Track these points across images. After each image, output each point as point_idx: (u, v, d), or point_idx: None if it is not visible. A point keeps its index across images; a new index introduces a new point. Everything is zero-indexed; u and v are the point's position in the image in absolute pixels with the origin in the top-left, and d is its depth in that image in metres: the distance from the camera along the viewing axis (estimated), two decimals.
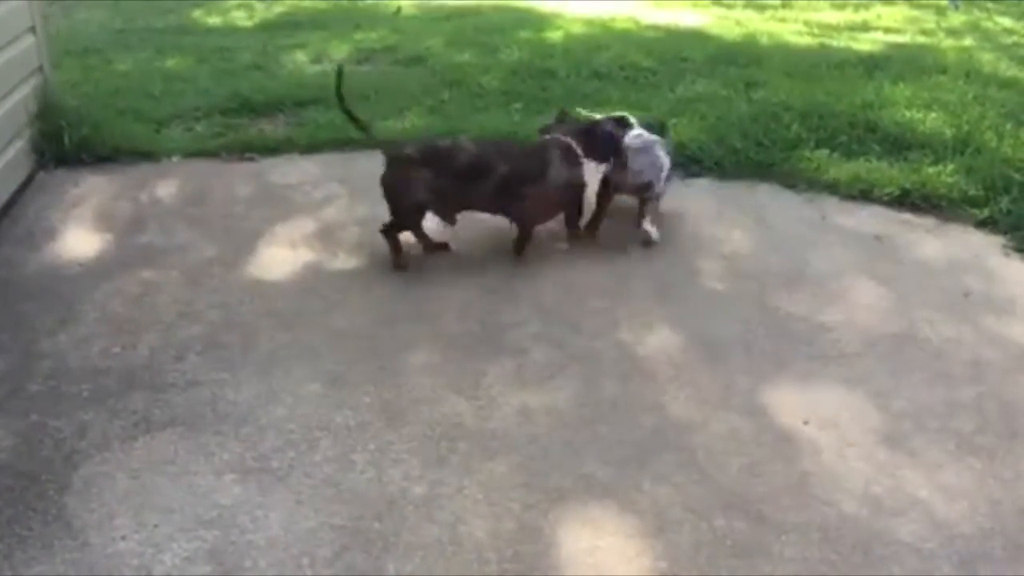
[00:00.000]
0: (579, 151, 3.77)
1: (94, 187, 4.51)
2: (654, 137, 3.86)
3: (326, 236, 4.02)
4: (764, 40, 7.11)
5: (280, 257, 3.86)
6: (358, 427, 2.89)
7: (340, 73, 3.86)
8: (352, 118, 3.84)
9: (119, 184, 4.55)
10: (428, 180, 3.63)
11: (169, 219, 4.19)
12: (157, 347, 3.28)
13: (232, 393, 3.04)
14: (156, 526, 2.50)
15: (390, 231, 3.78)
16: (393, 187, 3.70)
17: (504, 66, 6.27)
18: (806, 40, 7.21)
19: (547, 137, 3.84)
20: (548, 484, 2.67)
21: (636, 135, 3.82)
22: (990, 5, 9.26)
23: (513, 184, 3.65)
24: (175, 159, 4.82)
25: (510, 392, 3.05)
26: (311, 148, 4.91)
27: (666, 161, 3.86)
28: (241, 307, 3.51)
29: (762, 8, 8.90)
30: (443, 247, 3.89)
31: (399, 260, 3.78)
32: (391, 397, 3.02)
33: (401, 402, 3.00)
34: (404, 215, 3.75)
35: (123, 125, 5.14)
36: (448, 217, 3.80)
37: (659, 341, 3.31)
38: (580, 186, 3.80)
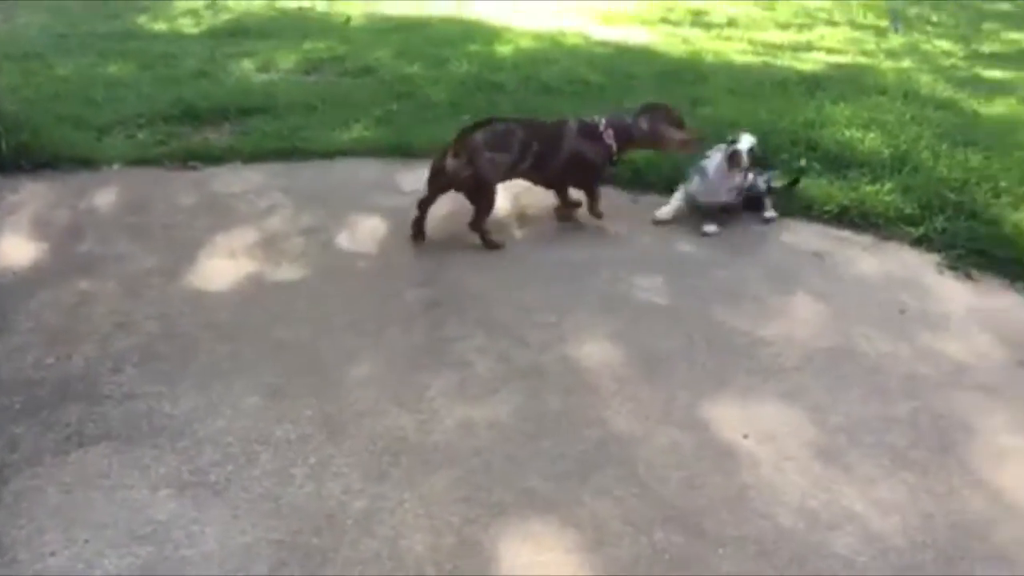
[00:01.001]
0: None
1: (32, 194, 4.42)
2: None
3: (269, 246, 3.98)
4: (710, 58, 7.21)
5: (221, 267, 3.81)
6: (298, 440, 2.86)
7: None
8: None
9: (58, 192, 4.46)
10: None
11: (108, 228, 4.12)
12: (93, 358, 3.22)
13: (169, 406, 2.99)
14: (87, 541, 2.44)
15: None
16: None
17: (453, 78, 6.28)
18: (750, 59, 7.33)
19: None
20: (489, 498, 2.66)
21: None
22: (929, 28, 9.50)
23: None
24: (116, 167, 4.75)
25: (453, 406, 3.04)
26: (255, 157, 4.87)
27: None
28: (180, 318, 3.45)
29: (708, 27, 9.03)
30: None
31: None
32: (332, 410, 3.00)
33: (342, 415, 2.97)
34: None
35: (63, 131, 5.05)
36: None
37: (603, 355, 3.32)
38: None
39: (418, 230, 4.05)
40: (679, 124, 4.20)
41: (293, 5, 9.76)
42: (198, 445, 2.83)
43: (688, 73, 6.51)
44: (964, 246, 3.99)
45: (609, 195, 4.39)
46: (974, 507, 2.68)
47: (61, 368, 3.17)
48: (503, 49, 7.33)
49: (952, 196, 4.32)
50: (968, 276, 3.84)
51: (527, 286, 3.73)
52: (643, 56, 7.13)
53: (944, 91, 6.22)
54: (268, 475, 2.72)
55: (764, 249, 4.06)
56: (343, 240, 4.08)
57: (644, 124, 4.16)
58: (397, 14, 9.14)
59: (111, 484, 2.66)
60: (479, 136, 3.89)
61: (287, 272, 3.80)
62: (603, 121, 4.15)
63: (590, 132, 4.12)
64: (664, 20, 9.27)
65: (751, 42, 8.29)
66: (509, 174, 4.04)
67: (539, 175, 4.15)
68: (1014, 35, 9.18)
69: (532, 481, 2.73)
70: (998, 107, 5.83)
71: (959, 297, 3.72)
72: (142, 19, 8.99)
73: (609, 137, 4.11)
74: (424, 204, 4.03)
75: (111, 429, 2.88)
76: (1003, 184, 4.40)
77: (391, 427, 2.93)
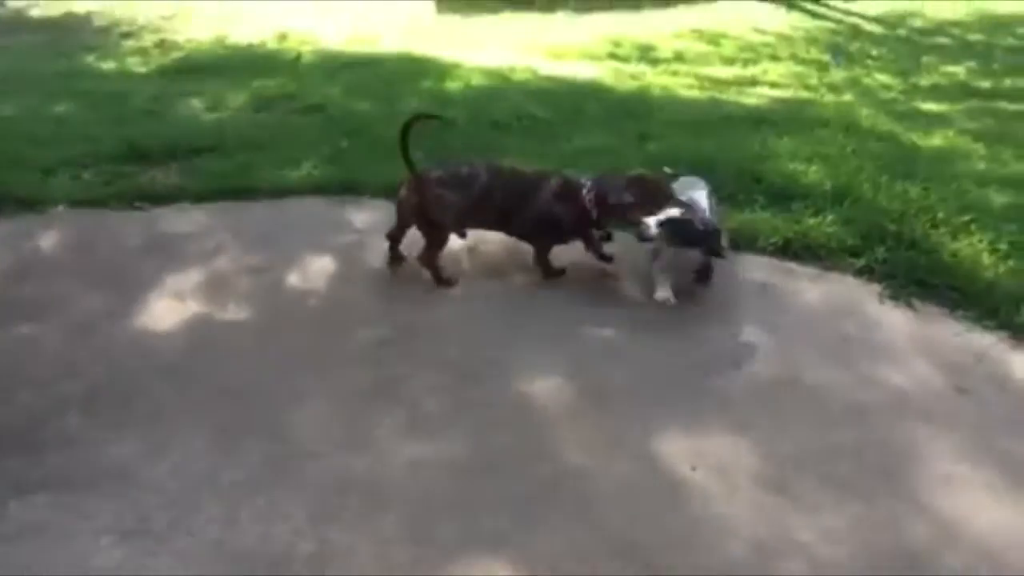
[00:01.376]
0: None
1: None
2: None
3: (217, 287, 3.95)
4: (657, 93, 7.33)
5: (168, 309, 3.77)
6: (245, 483, 2.83)
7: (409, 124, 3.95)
8: (408, 162, 3.89)
9: (0, 234, 4.38)
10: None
11: (52, 270, 4.07)
12: (34, 405, 3.17)
13: (113, 452, 2.95)
14: None
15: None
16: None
17: (403, 116, 6.25)
18: (697, 94, 7.45)
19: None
20: (439, 537, 2.65)
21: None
22: (869, 62, 9.72)
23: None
24: (61, 208, 4.70)
25: (403, 444, 3.03)
26: (203, 197, 4.83)
27: None
28: (125, 361, 3.41)
29: (655, 62, 9.17)
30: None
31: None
32: (280, 451, 2.97)
33: (290, 457, 2.95)
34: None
35: (7, 172, 5.00)
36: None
37: (553, 389, 3.33)
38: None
39: (393, 256, 4.10)
40: (667, 198, 3.91)
41: (244, 42, 9.76)
42: (142, 491, 2.79)
43: (635, 108, 6.59)
44: (904, 276, 4.07)
45: None
46: (918, 534, 2.72)
47: (1, 414, 3.10)
48: (453, 85, 7.38)
49: (892, 227, 4.41)
50: (909, 305, 3.91)
51: (478, 321, 3.74)
52: (591, 91, 7.22)
53: (884, 124, 6.36)
54: (214, 520, 2.69)
55: (711, 281, 4.10)
56: (292, 279, 4.06)
57: (630, 197, 3.89)
58: (348, 51, 9.17)
59: (53, 534, 2.62)
60: (433, 171, 3.91)
61: (235, 313, 3.77)
62: (588, 183, 3.96)
63: (569, 193, 3.95)
64: (612, 55, 9.39)
65: (697, 77, 8.43)
66: (466, 219, 3.97)
67: (506, 228, 4.08)
68: (952, 68, 9.42)
69: (483, 519, 2.72)
70: (936, 139, 5.98)
71: (900, 326, 3.79)
72: (90, 58, 8.94)
73: (590, 202, 3.91)
74: (391, 235, 4.08)
75: (52, 477, 2.84)
76: (941, 215, 4.49)
77: (340, 467, 2.91)
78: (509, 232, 4.10)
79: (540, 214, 3.96)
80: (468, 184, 3.91)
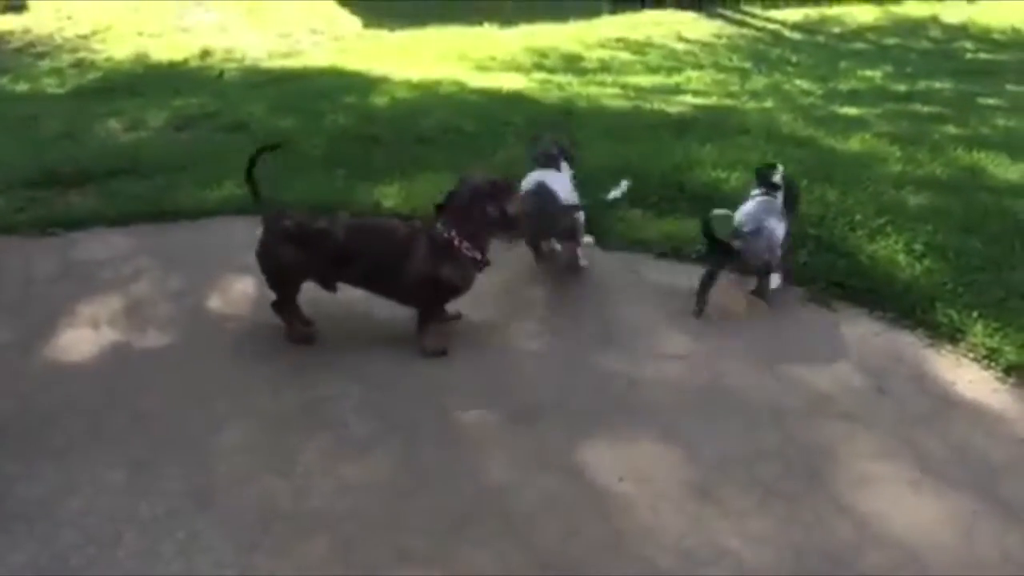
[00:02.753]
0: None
1: None
2: None
3: (134, 313, 3.85)
4: (582, 103, 7.37)
5: (82, 338, 3.66)
6: (165, 515, 2.76)
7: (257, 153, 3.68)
8: (255, 193, 3.62)
9: None
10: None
11: None
12: None
13: (25, 488, 2.85)
14: None
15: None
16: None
17: (328, 132, 6.23)
18: (622, 103, 7.51)
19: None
20: (366, 559, 2.63)
21: None
22: (790, 69, 9.94)
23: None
24: None
25: (328, 467, 2.99)
26: (121, 220, 4.71)
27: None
28: (37, 395, 3.31)
29: (582, 72, 9.25)
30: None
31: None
32: (201, 481, 2.91)
33: (212, 486, 2.89)
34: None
35: None
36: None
37: (478, 405, 3.31)
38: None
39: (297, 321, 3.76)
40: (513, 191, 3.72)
41: (165, 60, 9.60)
42: (57, 528, 2.70)
43: (561, 119, 6.62)
44: (824, 278, 4.13)
45: None
46: (841, 535, 2.76)
47: None
48: (379, 100, 7.34)
49: (812, 231, 4.49)
50: (829, 307, 3.98)
51: (402, 340, 3.69)
52: (517, 103, 7.23)
53: (804, 129, 6.49)
54: (133, 555, 2.62)
55: (634, 290, 4.13)
56: (213, 303, 3.98)
57: (494, 210, 3.57)
58: (273, 66, 9.08)
59: None
60: (286, 219, 3.55)
61: (153, 339, 3.68)
62: (452, 232, 3.52)
63: (444, 248, 3.53)
64: (538, 67, 9.46)
65: (623, 87, 8.52)
66: (323, 277, 3.64)
67: (382, 293, 3.70)
68: (869, 72, 9.67)
69: (409, 538, 2.70)
70: (853, 143, 6.10)
71: (821, 328, 3.85)
72: (3, 80, 8.71)
73: (468, 250, 3.55)
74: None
75: None
76: (859, 218, 4.59)
77: (263, 494, 2.86)
78: (393, 298, 3.69)
79: (422, 277, 3.54)
80: (318, 241, 3.52)
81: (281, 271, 3.58)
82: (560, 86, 8.33)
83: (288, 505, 2.82)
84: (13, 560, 2.59)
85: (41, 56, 10.21)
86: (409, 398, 3.34)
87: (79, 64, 9.55)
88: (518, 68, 9.36)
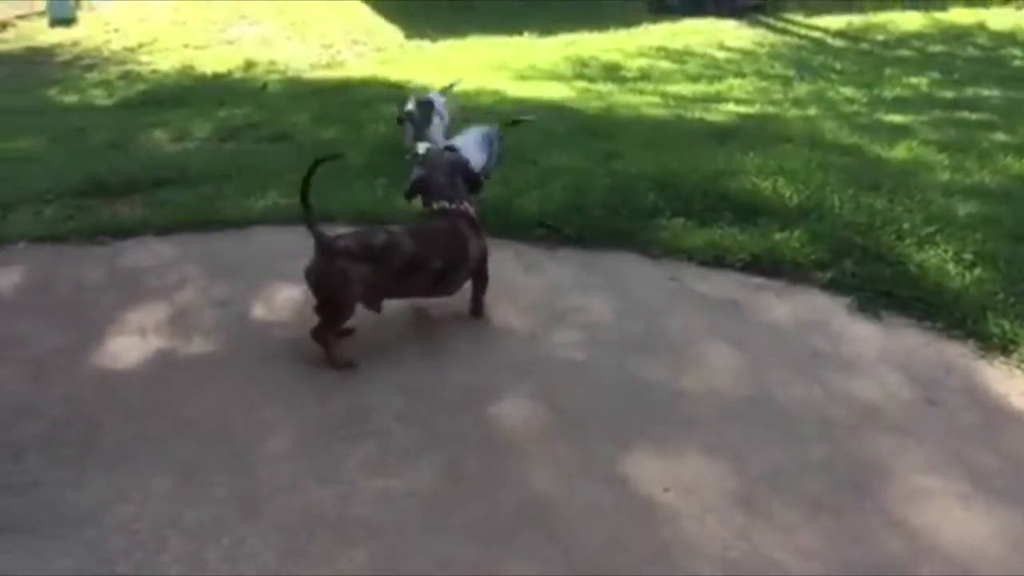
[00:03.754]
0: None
1: None
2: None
3: (180, 321, 3.89)
4: (623, 112, 7.35)
5: (130, 345, 3.70)
6: (211, 522, 2.78)
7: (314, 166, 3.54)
8: (306, 204, 3.47)
9: None
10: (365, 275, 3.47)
11: (11, 308, 4.00)
12: None
13: (74, 494, 2.88)
14: None
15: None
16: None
17: (370, 142, 6.27)
18: (663, 112, 7.48)
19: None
20: (409, 569, 2.62)
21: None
22: (833, 76, 9.83)
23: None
24: (21, 245, 4.62)
25: (371, 476, 2.99)
26: (167, 229, 4.76)
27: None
28: (86, 401, 3.35)
29: (622, 81, 9.23)
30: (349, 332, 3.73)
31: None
32: (247, 488, 2.92)
33: (257, 493, 2.90)
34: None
35: None
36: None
37: (521, 415, 3.30)
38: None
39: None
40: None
41: (209, 72, 9.74)
42: (105, 533, 2.73)
43: (602, 127, 6.61)
44: (872, 288, 4.08)
45: (522, 250, 4.43)
46: (892, 549, 2.71)
47: None
48: None
49: (859, 240, 4.43)
50: (877, 317, 3.92)
51: (445, 349, 3.69)
52: (558, 112, 7.23)
53: (848, 137, 6.42)
54: (179, 561, 2.64)
55: (679, 299, 4.10)
56: (258, 311, 4.01)
57: (466, 178, 3.85)
58: (315, 78, 9.16)
59: None
60: (341, 240, 3.52)
61: (199, 347, 3.71)
62: (464, 204, 3.76)
63: (471, 221, 3.76)
64: (578, 76, 9.45)
65: (663, 95, 8.48)
66: (380, 294, 3.63)
67: (441, 291, 3.77)
68: (914, 79, 9.55)
69: (453, 549, 2.69)
70: (900, 151, 6.02)
71: (869, 339, 3.79)
72: (52, 92, 8.88)
73: (471, 203, 3.80)
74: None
75: (12, 521, 2.78)
76: (906, 226, 4.52)
77: (308, 502, 2.86)
78: (444, 293, 3.78)
79: (480, 256, 3.77)
80: (386, 255, 3.52)
81: (347, 293, 3.48)
82: (600, 95, 8.32)
83: (332, 513, 2.82)
84: (61, 565, 2.62)
85: (89, 68, 10.40)
86: (451, 407, 3.34)
87: (126, 76, 9.71)
88: (558, 77, 9.36)
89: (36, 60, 10.89)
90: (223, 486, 2.92)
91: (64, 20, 12.61)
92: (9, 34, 12.10)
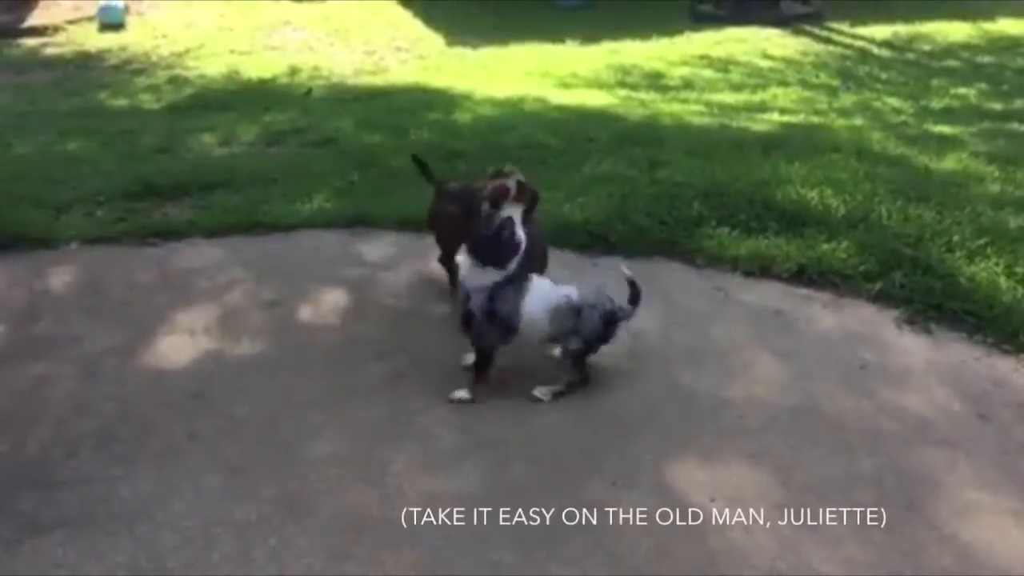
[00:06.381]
0: None
1: None
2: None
3: (229, 322, 3.94)
4: (667, 121, 7.33)
5: (180, 345, 3.76)
6: (259, 521, 2.81)
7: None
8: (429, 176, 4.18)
9: (14, 273, 4.41)
10: None
11: (64, 308, 4.07)
12: (48, 443, 3.16)
13: (127, 490, 2.93)
14: None
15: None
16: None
17: (414, 147, 6.29)
18: (706, 120, 7.45)
19: None
20: (454, 572, 2.62)
21: None
22: (879, 86, 9.74)
23: None
24: (73, 246, 4.71)
25: (417, 479, 3.00)
26: (216, 232, 4.83)
27: None
28: (138, 399, 3.40)
29: (665, 90, 9.21)
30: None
31: None
32: (294, 488, 2.95)
33: (304, 493, 2.93)
34: None
35: (21, 211, 5.03)
36: None
37: (566, 422, 3.30)
38: None
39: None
40: None
41: (255, 77, 9.85)
42: (156, 529, 2.77)
43: (645, 135, 6.59)
44: (921, 301, 4.03)
45: (566, 259, 4.44)
46: (942, 563, 2.68)
47: (14, 454, 3.11)
48: (463, 117, 7.41)
49: (908, 251, 4.38)
50: (926, 330, 3.88)
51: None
52: (601, 120, 7.23)
53: (895, 148, 6.34)
54: (228, 559, 2.67)
55: (724, 309, 4.08)
56: (304, 313, 4.05)
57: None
58: (359, 84, 9.24)
59: (66, 573, 2.59)
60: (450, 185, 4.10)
61: (247, 348, 3.76)
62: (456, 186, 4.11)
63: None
64: (621, 84, 9.44)
65: (707, 104, 8.45)
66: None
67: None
68: (962, 90, 9.43)
69: (498, 554, 2.69)
70: (949, 162, 5.94)
71: (918, 351, 3.75)
72: (103, 95, 9.03)
73: None
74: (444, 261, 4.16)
75: (66, 516, 2.82)
76: (956, 238, 4.46)
77: (354, 504, 2.88)
78: None
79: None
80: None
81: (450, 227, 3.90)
82: (644, 103, 8.30)
83: (378, 515, 2.84)
84: (114, 560, 2.66)
85: (138, 73, 10.57)
86: (496, 413, 3.35)
87: (174, 81, 9.86)
88: (601, 85, 9.36)
89: (86, 64, 11.08)
90: (271, 485, 2.95)
91: (113, 25, 12.81)
92: (60, 38, 12.32)
